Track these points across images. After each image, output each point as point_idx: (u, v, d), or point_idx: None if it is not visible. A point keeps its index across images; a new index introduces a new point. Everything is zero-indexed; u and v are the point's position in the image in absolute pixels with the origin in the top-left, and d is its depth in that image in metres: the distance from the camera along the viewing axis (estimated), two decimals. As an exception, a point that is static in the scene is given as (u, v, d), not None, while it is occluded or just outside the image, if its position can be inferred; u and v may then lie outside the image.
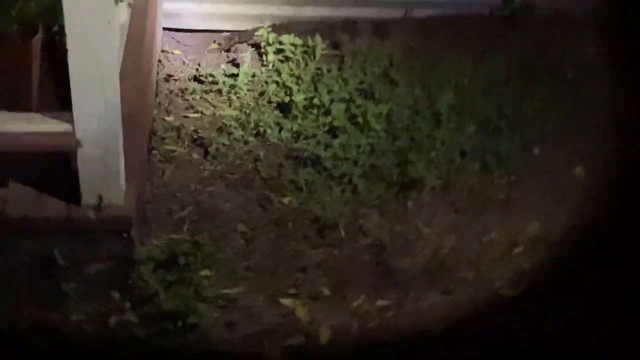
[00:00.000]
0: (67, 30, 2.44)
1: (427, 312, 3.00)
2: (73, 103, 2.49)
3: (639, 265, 3.15)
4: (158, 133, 3.68)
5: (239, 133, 3.72)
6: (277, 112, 3.87)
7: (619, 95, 3.96)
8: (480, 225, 3.36)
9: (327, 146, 3.62)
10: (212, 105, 3.90)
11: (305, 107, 3.84)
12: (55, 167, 2.81)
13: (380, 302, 3.03)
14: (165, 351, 2.75)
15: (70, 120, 2.52)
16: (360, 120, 3.75)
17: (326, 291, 3.05)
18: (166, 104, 3.90)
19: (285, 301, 3.00)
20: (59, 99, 3.03)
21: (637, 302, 3.01)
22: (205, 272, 3.02)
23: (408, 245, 3.26)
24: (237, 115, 3.83)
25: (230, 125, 3.75)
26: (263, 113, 3.84)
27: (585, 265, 3.15)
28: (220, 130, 3.73)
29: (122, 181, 2.64)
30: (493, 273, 3.16)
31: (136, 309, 2.83)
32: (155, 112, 3.83)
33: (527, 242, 3.29)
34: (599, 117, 3.87)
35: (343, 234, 3.27)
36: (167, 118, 3.81)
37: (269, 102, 3.91)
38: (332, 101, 3.84)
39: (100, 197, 2.64)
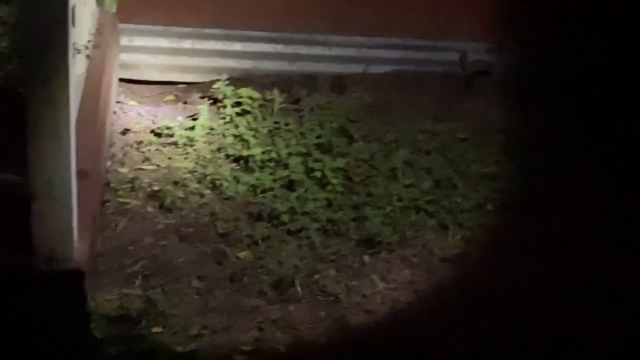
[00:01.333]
0: (25, 82, 2.41)
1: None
2: (28, 155, 2.44)
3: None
4: (112, 185, 3.64)
5: (194, 186, 3.70)
6: (233, 165, 3.86)
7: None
8: (435, 283, 3.36)
9: (284, 200, 3.62)
10: (168, 158, 3.88)
11: (263, 161, 3.84)
12: (6, 219, 2.75)
13: (338, 360, 3.00)
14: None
15: (24, 173, 2.48)
16: (317, 174, 3.75)
17: (282, 349, 3.01)
18: (121, 156, 3.87)
19: (241, 359, 2.95)
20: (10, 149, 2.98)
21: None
22: (157, 329, 2.97)
23: (364, 300, 3.24)
24: (193, 168, 3.81)
25: (186, 179, 3.73)
26: (220, 166, 3.82)
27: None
28: (175, 183, 3.70)
29: (75, 235, 2.60)
30: (447, 332, 3.15)
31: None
32: (109, 163, 3.79)
33: (481, 303, 3.29)
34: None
35: (299, 289, 3.24)
36: (121, 170, 3.78)
37: (226, 155, 3.90)
38: (289, 155, 3.84)
39: (52, 251, 2.59)
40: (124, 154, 3.87)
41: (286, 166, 3.79)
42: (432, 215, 3.65)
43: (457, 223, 3.63)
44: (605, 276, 3.19)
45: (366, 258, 3.42)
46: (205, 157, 3.88)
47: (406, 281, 3.35)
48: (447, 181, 3.83)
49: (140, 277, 3.21)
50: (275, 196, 3.63)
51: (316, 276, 3.31)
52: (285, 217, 3.53)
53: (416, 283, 3.35)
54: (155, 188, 3.65)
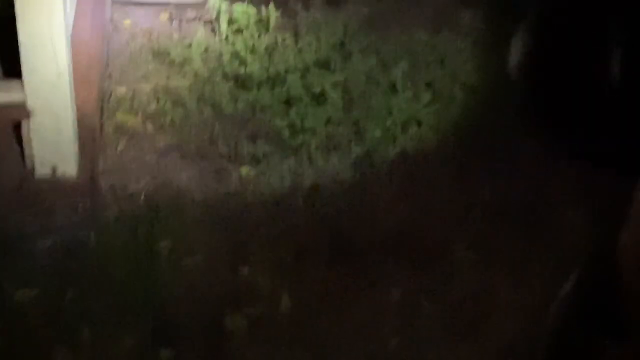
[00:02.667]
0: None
1: (386, 279, 3.00)
2: (23, 71, 2.42)
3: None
4: (110, 105, 3.62)
5: (193, 104, 3.68)
6: (231, 83, 3.83)
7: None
8: (436, 194, 3.37)
9: (284, 116, 3.60)
10: (166, 77, 3.84)
11: (260, 78, 3.81)
12: (6, 138, 2.75)
13: (340, 270, 3.02)
14: (123, 324, 2.71)
15: (21, 89, 2.46)
16: (316, 90, 3.72)
17: (286, 260, 3.04)
18: (118, 75, 3.82)
19: (245, 270, 2.98)
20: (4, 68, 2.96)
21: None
22: (163, 244, 2.99)
23: (365, 213, 3.26)
24: (191, 87, 3.77)
25: (184, 97, 3.70)
26: (218, 84, 3.79)
27: (536, 229, 3.18)
28: (174, 102, 3.68)
29: (75, 150, 2.59)
30: (450, 238, 3.17)
31: (93, 282, 2.79)
32: (107, 83, 3.76)
33: (482, 211, 3.31)
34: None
35: (301, 203, 3.26)
36: (119, 89, 3.74)
37: (224, 73, 3.86)
38: (287, 71, 3.80)
39: (55, 168, 2.59)
40: (121, 73, 3.83)
41: (284, 83, 3.75)
42: (432, 128, 3.65)
43: (457, 133, 3.63)
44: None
45: (367, 172, 3.42)
46: (202, 75, 3.84)
47: (408, 192, 3.37)
48: (448, 93, 3.80)
49: (143, 194, 3.22)
50: (274, 113, 3.62)
51: (317, 190, 3.33)
52: (285, 133, 3.52)
53: (418, 194, 3.37)
54: (154, 107, 3.63)
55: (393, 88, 3.80)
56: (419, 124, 3.65)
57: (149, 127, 3.56)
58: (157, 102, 3.65)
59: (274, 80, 3.79)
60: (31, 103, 2.46)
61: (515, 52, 1.49)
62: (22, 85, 2.44)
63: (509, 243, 3.16)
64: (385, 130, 3.58)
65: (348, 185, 3.37)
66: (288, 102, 3.69)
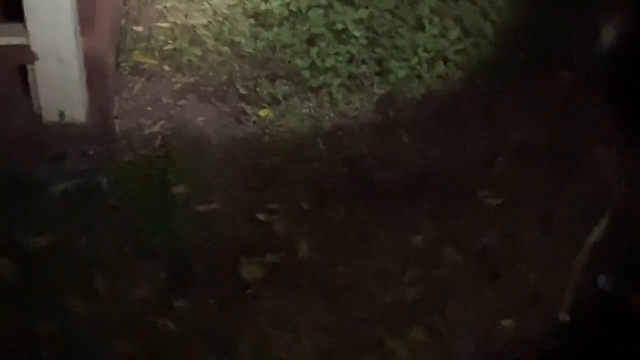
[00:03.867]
0: None
1: (408, 225, 2.90)
2: (25, 12, 2.32)
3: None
4: (127, 44, 3.52)
5: (212, 43, 3.56)
6: (251, 20, 3.70)
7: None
8: (463, 135, 3.24)
9: (305, 56, 3.47)
10: (184, 15, 3.72)
11: (282, 15, 3.67)
12: (13, 83, 2.66)
13: (361, 215, 2.92)
14: (138, 271, 2.65)
15: (24, 32, 2.36)
16: (339, 27, 3.58)
17: (305, 205, 2.94)
18: (135, 13, 3.70)
19: (263, 216, 2.90)
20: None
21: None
22: (179, 189, 2.91)
23: (388, 156, 3.14)
24: (210, 25, 3.65)
25: (203, 36, 3.58)
26: (237, 22, 3.66)
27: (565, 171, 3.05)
28: (192, 41, 3.56)
29: (84, 95, 2.50)
30: (475, 182, 3.05)
31: (107, 228, 2.73)
32: (123, 21, 3.65)
33: (510, 152, 3.18)
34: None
35: (322, 146, 3.15)
36: (135, 28, 3.63)
37: (244, 10, 3.73)
38: (309, 8, 3.65)
39: (62, 113, 2.51)
40: (138, 11, 3.71)
41: (306, 20, 3.61)
42: (460, 66, 3.50)
43: (486, 74, 3.48)
44: None
45: (390, 112, 3.30)
46: (222, 12, 3.71)
47: (433, 134, 3.24)
48: (477, 30, 3.64)
49: (159, 137, 3.13)
50: (295, 52, 3.49)
51: (339, 133, 3.22)
52: (305, 74, 3.39)
53: (443, 136, 3.24)
54: (172, 46, 3.51)
55: (419, 24, 3.65)
56: (446, 61, 3.50)
57: (166, 67, 3.45)
58: (175, 41, 3.54)
59: (296, 17, 3.65)
60: (34, 45, 2.36)
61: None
62: (25, 28, 2.34)
63: (536, 187, 3.04)
64: (410, 69, 3.45)
65: (371, 128, 3.25)
66: (310, 41, 3.56)
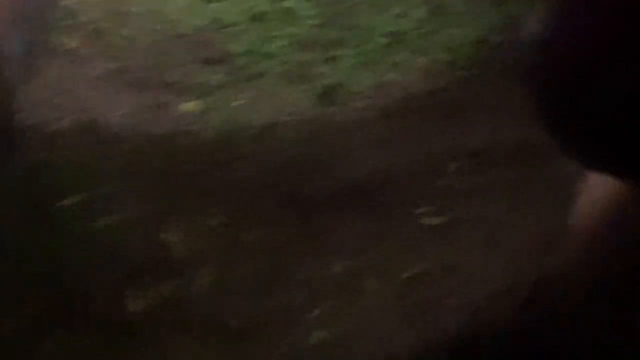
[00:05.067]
0: None
1: (329, 249, 2.51)
2: None
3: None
4: (51, 22, 3.15)
5: (145, 21, 3.17)
6: (197, -7, 3.30)
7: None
8: (415, 136, 2.81)
9: (245, 38, 3.07)
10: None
11: (228, -12, 3.26)
12: None
13: (276, 236, 2.54)
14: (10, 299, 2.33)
15: None
16: (288, 3, 3.16)
17: (214, 222, 2.57)
18: (71, -16, 3.34)
19: (165, 235, 2.54)
20: None
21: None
22: (71, 200, 2.56)
23: (323, 162, 2.74)
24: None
25: (137, 13, 3.20)
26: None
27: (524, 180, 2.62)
28: (124, 18, 3.18)
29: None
30: (418, 196, 2.64)
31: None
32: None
33: (465, 157, 2.75)
34: None
35: (247, 149, 2.76)
36: (66, 3, 3.27)
37: (189, -19, 3.33)
38: (256, -19, 3.25)
39: None
40: (71, -18, 3.35)
41: (252, -6, 3.21)
42: (421, 53, 3.05)
43: (450, 62, 3.03)
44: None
45: (335, 110, 2.89)
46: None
47: (382, 135, 2.83)
48: (447, 7, 3.18)
49: (64, 136, 2.78)
50: (234, 34, 3.09)
51: (271, 132, 2.82)
52: (242, 60, 2.99)
53: (392, 137, 2.82)
54: (100, 25, 3.14)
55: (382, 1, 3.20)
56: (407, 47, 3.06)
57: (89, 50, 3.09)
58: (103, 18, 3.16)
59: (243, -10, 3.24)
60: None
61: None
62: None
63: (487, 201, 2.61)
64: (363, 55, 3.02)
65: (309, 126, 2.85)
66: (254, 19, 3.15)
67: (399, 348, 2.30)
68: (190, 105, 2.89)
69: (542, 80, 0.87)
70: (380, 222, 2.56)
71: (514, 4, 3.17)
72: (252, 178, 2.69)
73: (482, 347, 2.04)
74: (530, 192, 2.62)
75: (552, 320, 1.69)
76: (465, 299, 2.39)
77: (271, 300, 2.39)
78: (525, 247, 2.50)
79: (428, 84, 2.97)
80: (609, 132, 0.86)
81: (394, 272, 2.44)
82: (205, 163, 2.72)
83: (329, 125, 2.84)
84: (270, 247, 2.51)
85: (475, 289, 2.42)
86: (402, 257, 2.48)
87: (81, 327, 2.31)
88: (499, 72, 2.99)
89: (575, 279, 1.45)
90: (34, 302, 2.33)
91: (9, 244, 2.37)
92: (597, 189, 1.23)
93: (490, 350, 2.03)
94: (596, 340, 1.35)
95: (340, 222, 2.57)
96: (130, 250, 2.48)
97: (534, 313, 1.76)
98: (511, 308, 2.13)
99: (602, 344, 1.35)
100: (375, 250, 2.49)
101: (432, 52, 3.03)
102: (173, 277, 2.42)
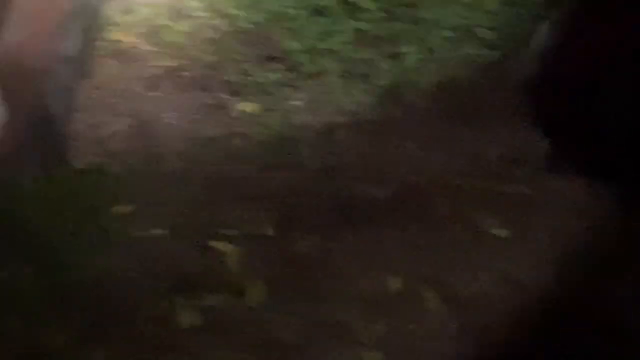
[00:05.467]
0: None
1: (386, 260, 2.39)
2: None
3: None
4: (110, 18, 3.09)
5: (203, 17, 3.08)
6: (259, -15, 3.19)
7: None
8: (479, 140, 2.65)
9: (306, 33, 2.94)
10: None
11: (290, -20, 3.14)
12: None
13: (331, 245, 2.43)
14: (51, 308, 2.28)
15: None
16: (350, -3, 3.02)
17: (270, 231, 2.47)
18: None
19: (217, 244, 2.45)
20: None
21: None
22: (121, 209, 2.50)
23: (382, 166, 2.61)
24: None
25: (196, 8, 3.10)
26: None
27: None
28: (181, 14, 3.10)
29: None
30: (482, 205, 2.49)
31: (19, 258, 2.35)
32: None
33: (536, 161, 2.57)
34: None
35: (304, 151, 2.65)
36: (120, -2, 3.20)
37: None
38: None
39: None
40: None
41: (315, -13, 3.08)
42: (493, 45, 2.88)
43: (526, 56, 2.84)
44: None
45: (396, 111, 2.75)
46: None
47: (443, 139, 2.68)
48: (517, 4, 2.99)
49: (117, 139, 2.72)
50: (294, 29, 2.96)
51: (329, 134, 2.70)
52: (302, 57, 2.87)
53: (457, 141, 2.67)
54: (158, 21, 3.07)
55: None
56: (476, 40, 2.90)
57: (147, 47, 3.01)
58: (161, 14, 3.08)
59: (305, -17, 3.12)
60: None
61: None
62: None
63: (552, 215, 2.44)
64: (428, 51, 2.86)
65: (368, 128, 2.72)
66: (316, 12, 3.02)
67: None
68: (247, 106, 2.79)
69: (545, 88, 0.85)
70: (442, 232, 2.43)
71: None
72: (307, 183, 2.58)
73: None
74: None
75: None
76: (528, 318, 2.25)
77: (324, 316, 2.29)
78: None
79: (499, 82, 2.80)
80: (608, 138, 0.89)
81: (455, 288, 2.31)
82: (260, 167, 2.63)
83: (388, 127, 2.71)
84: (325, 260, 2.40)
85: (542, 307, 2.27)
86: (465, 270, 2.34)
87: (129, 340, 2.26)
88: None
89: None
90: (83, 313, 2.29)
91: (59, 252, 2.33)
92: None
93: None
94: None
95: (398, 231, 2.44)
96: (181, 260, 2.41)
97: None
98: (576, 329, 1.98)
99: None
100: (435, 263, 2.36)
101: (505, 46, 2.86)
102: (224, 289, 2.34)
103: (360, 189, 2.55)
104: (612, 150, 0.92)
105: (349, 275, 2.36)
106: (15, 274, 2.31)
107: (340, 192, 2.55)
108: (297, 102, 2.79)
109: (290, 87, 2.83)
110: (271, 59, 2.92)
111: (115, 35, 3.01)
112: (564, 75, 0.87)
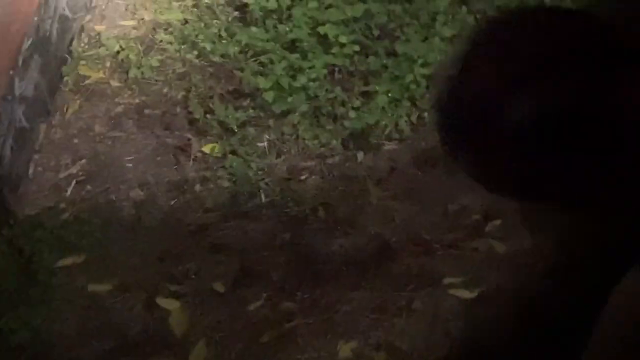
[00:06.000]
0: None
1: (343, 323, 2.25)
2: None
3: None
4: (77, 52, 2.98)
5: (174, 49, 2.96)
6: (236, 13, 3.06)
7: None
8: (452, 190, 2.49)
9: (274, 69, 2.79)
10: (156, 9, 3.12)
11: (265, 9, 2.99)
12: None
13: (286, 305, 2.30)
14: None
15: None
16: (322, 30, 2.86)
17: (220, 287, 2.35)
18: (103, 7, 3.17)
19: (164, 302, 2.33)
20: None
21: None
22: (67, 261, 2.39)
23: (347, 216, 2.46)
24: (184, 21, 3.04)
25: (168, 42, 2.98)
26: (217, 16, 3.03)
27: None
28: (152, 46, 2.97)
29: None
30: (448, 263, 2.33)
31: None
32: (87, 18, 3.12)
33: (510, 212, 2.41)
34: None
35: (264, 199, 2.52)
36: (97, 27, 3.09)
37: (227, 3, 3.09)
38: (293, 3, 2.96)
39: None
40: (107, 4, 3.17)
41: (289, 19, 2.93)
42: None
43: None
44: None
45: (360, 155, 2.59)
46: (203, 3, 3.09)
47: (412, 189, 2.52)
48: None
49: (73, 183, 2.61)
50: (265, 63, 2.82)
51: (293, 180, 2.57)
52: (270, 95, 2.73)
53: (427, 191, 2.51)
54: (128, 54, 2.95)
55: (433, 19, 2.86)
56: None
57: (114, 82, 2.90)
58: (131, 47, 2.96)
59: (281, 13, 2.97)
60: None
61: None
62: None
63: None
64: (402, 90, 2.70)
65: (334, 174, 2.57)
66: (290, 47, 2.87)
67: None
68: (210, 147, 2.66)
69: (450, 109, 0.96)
70: (403, 292, 2.28)
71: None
72: (266, 235, 2.45)
73: None
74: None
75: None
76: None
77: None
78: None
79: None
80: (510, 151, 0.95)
81: (408, 356, 2.17)
82: (219, 216, 2.50)
83: (354, 174, 2.56)
84: (277, 320, 2.27)
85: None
86: (427, 338, 2.19)
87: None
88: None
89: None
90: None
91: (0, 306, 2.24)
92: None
93: None
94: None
95: (355, 291, 2.30)
96: (125, 319, 2.30)
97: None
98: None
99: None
100: (393, 328, 2.21)
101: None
102: (167, 352, 2.23)
103: (323, 242, 2.41)
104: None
105: (301, 339, 2.23)
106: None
107: (300, 243, 2.42)
108: (262, 144, 2.66)
109: (256, 127, 2.70)
110: (239, 95, 2.79)
111: (82, 69, 2.91)
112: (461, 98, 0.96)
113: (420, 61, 2.72)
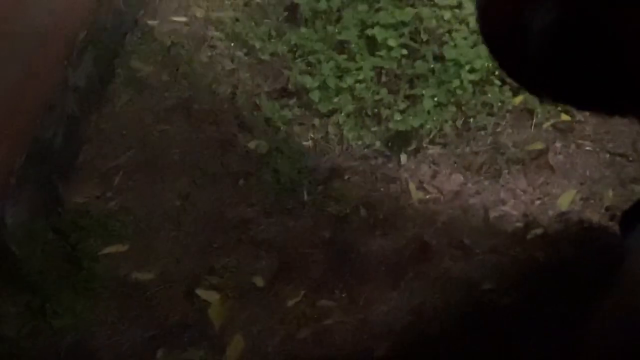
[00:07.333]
0: None
1: (381, 322, 2.26)
2: None
3: None
4: (130, 45, 3.04)
5: (224, 46, 3.00)
6: (286, 14, 3.09)
7: None
8: (496, 191, 2.50)
9: (321, 69, 2.82)
10: (208, 6, 3.17)
11: (314, 10, 3.03)
12: None
13: (323, 303, 2.32)
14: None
15: None
16: (372, 31, 2.89)
17: (259, 282, 2.38)
18: (157, 3, 3.22)
19: (204, 293, 2.37)
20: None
21: None
22: (111, 249, 2.44)
23: (387, 217, 2.48)
24: (234, 19, 3.09)
25: (219, 38, 3.03)
26: (268, 15, 3.07)
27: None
28: (203, 42, 3.02)
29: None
30: (485, 267, 2.33)
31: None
32: (141, 12, 3.18)
33: (552, 221, 2.41)
34: None
35: (306, 197, 2.54)
36: (150, 22, 3.15)
37: (279, 3, 3.13)
38: (343, 5, 2.99)
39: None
40: (161, 0, 3.22)
41: (338, 20, 2.96)
42: (517, 91, 2.71)
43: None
44: None
45: (403, 158, 2.61)
46: (254, 2, 3.14)
47: (455, 190, 2.53)
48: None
49: (120, 173, 2.66)
50: (313, 63, 2.85)
51: (335, 178, 2.59)
52: (316, 94, 2.76)
53: (467, 193, 2.52)
54: (178, 50, 3.00)
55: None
56: (503, 84, 2.73)
57: (164, 77, 2.95)
58: (182, 42, 3.02)
59: (330, 14, 3.00)
60: None
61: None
62: None
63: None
64: (448, 95, 2.71)
65: (376, 175, 2.59)
66: (339, 48, 2.90)
67: None
68: (255, 144, 2.70)
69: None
70: (438, 295, 2.29)
71: None
72: (307, 231, 2.48)
73: None
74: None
75: None
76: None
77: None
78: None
79: (519, 133, 2.64)
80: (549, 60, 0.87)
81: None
82: (260, 211, 2.53)
83: (396, 175, 2.58)
84: (314, 317, 2.30)
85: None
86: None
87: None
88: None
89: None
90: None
91: (43, 296, 2.28)
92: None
93: None
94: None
95: (391, 292, 2.32)
96: (165, 308, 2.34)
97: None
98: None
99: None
100: (432, 329, 2.22)
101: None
102: (203, 343, 2.27)
103: (363, 242, 2.43)
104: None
105: (338, 337, 2.25)
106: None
107: (339, 241, 2.44)
108: (306, 143, 2.69)
109: (301, 126, 2.73)
110: (286, 94, 2.82)
111: (133, 63, 2.96)
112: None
113: (467, 67, 2.73)
